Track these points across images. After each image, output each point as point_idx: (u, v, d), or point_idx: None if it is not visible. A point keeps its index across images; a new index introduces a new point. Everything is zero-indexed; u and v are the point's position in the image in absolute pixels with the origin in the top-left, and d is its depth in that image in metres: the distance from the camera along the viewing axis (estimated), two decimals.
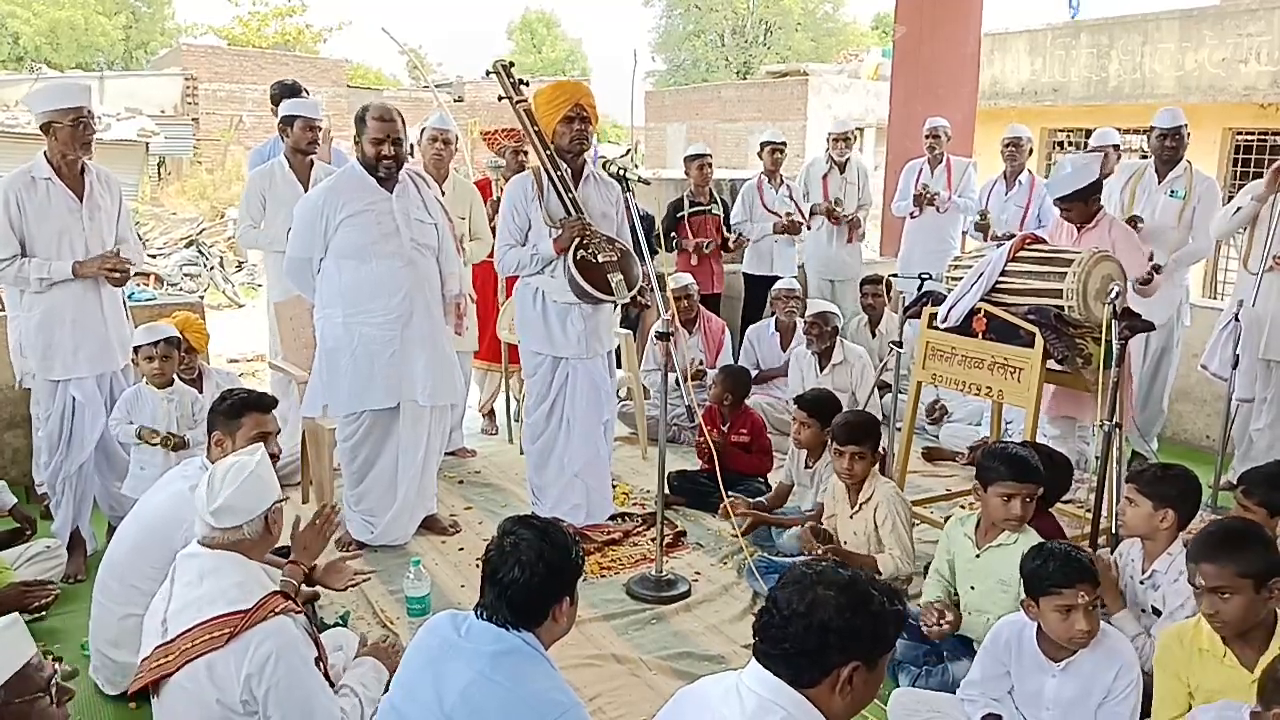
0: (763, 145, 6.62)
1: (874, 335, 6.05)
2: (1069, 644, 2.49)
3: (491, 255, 5.29)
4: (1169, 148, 4.96)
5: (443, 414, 4.13)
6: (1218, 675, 2.32)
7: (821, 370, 5.39)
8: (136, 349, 3.82)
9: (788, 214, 6.43)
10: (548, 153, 3.98)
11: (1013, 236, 5.63)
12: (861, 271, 6.51)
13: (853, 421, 3.63)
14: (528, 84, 4.15)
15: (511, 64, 4.17)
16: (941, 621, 2.92)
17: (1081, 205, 4.20)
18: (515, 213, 4.06)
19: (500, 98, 4.12)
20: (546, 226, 3.99)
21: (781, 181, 6.57)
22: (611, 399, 4.35)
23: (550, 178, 3.99)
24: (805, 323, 5.45)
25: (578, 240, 3.92)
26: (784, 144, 6.68)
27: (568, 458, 4.20)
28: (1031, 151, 6.47)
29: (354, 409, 3.91)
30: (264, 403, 2.96)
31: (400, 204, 3.82)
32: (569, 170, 4.02)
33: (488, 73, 4.16)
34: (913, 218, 6.57)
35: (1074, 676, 2.51)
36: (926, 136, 6.57)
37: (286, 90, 5.06)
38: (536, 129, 4.00)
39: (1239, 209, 4.56)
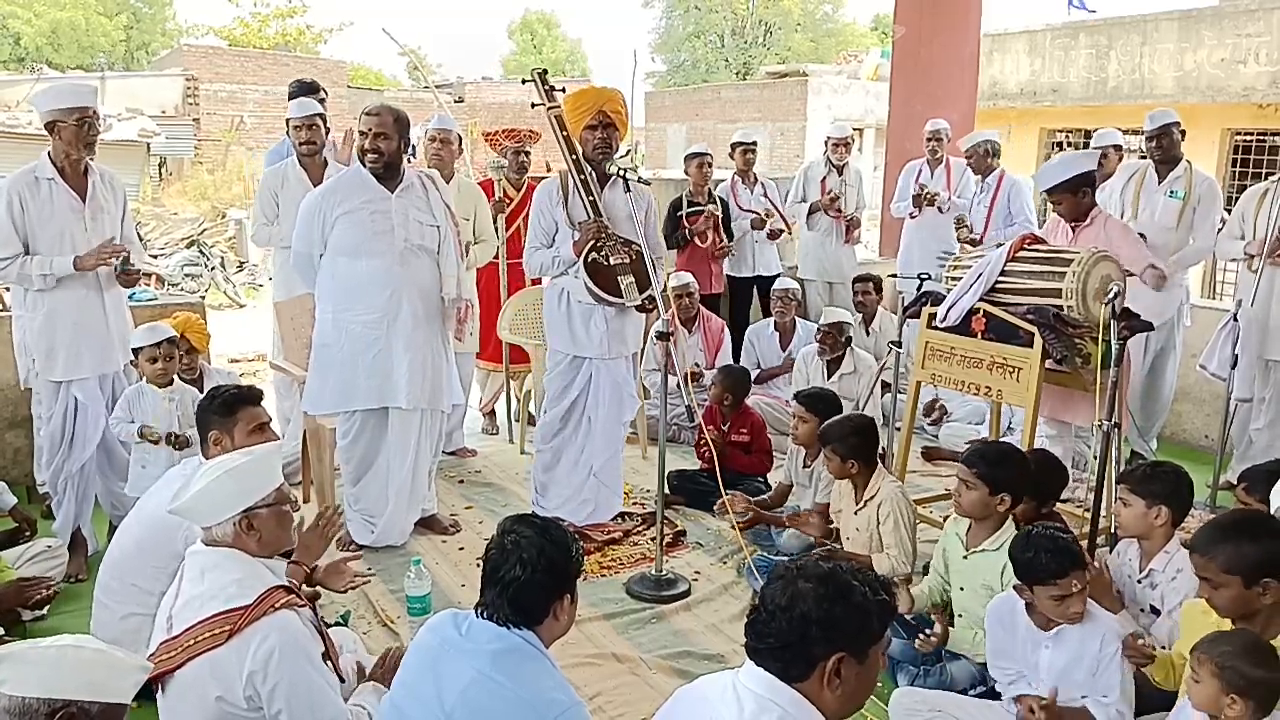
0: (733, 146, 6.59)
1: (868, 334, 6.06)
2: (1064, 621, 2.57)
3: (496, 258, 5.35)
4: (1160, 148, 4.99)
5: (435, 418, 4.12)
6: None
7: (829, 377, 5.38)
8: (136, 350, 3.82)
9: (767, 211, 6.42)
10: (574, 157, 4.02)
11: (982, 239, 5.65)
12: (856, 272, 6.52)
13: (830, 423, 3.69)
14: (563, 90, 4.18)
15: (545, 71, 4.25)
16: (929, 633, 2.96)
17: (1071, 198, 4.11)
18: (542, 216, 4.11)
19: (534, 105, 4.17)
20: (570, 229, 4.02)
21: (755, 181, 6.57)
22: (633, 400, 4.37)
23: (575, 181, 4.02)
24: (820, 331, 5.43)
25: (593, 243, 3.94)
26: (755, 144, 6.68)
27: (586, 456, 4.22)
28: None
29: (339, 408, 3.93)
30: (252, 396, 3.01)
31: (400, 203, 3.83)
32: (594, 174, 4.05)
33: (524, 80, 4.21)
34: (912, 218, 6.57)
35: (1065, 645, 2.58)
36: (928, 139, 6.56)
37: (303, 89, 5.01)
38: (565, 134, 4.04)
39: (1234, 248, 4.70)
